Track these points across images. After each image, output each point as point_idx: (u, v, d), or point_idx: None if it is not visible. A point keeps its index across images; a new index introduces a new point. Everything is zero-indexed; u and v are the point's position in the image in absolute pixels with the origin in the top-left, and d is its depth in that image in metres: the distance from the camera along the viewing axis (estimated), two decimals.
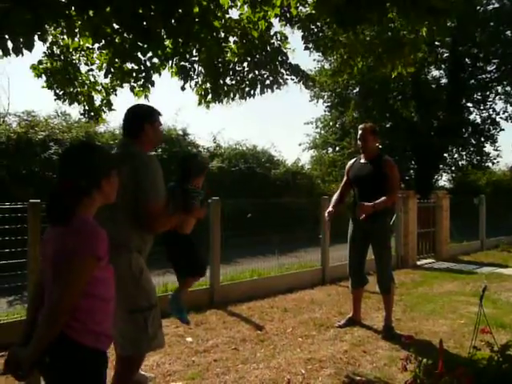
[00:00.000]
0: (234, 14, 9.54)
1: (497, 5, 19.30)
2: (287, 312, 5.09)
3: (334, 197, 4.57)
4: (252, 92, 5.25)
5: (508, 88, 20.51)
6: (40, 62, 4.81)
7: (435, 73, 21.63)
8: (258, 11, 4.92)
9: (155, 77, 4.61)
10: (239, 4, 5.02)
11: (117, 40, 4.15)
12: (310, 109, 48.81)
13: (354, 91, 21.22)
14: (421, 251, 9.11)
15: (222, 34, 4.88)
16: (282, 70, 5.21)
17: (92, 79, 5.14)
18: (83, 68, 5.05)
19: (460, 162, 22.81)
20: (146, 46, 4.02)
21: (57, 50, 4.84)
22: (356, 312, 4.65)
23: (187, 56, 4.74)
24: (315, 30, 5.12)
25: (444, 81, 21.55)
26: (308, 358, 3.67)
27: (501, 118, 20.98)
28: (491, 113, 21.15)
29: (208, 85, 5.21)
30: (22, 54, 3.32)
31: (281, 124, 46.84)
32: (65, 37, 4.67)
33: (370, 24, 4.81)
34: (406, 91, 20.83)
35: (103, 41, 4.17)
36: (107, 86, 5.17)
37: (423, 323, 4.68)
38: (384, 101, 20.12)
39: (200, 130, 39.74)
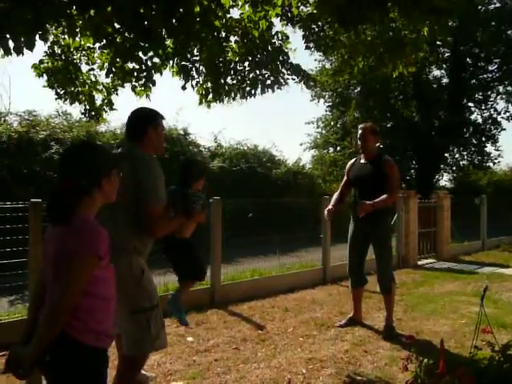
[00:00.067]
0: (234, 13, 9.55)
1: (498, 4, 19.31)
2: (288, 312, 5.09)
3: (334, 196, 4.57)
4: (253, 92, 5.25)
5: (509, 88, 20.49)
6: (41, 62, 4.81)
7: (436, 72, 21.67)
8: (259, 11, 4.91)
9: (156, 76, 4.62)
10: (240, 3, 5.02)
11: (118, 39, 4.15)
12: (311, 108, 48.92)
13: (355, 91, 21.23)
14: (422, 251, 9.11)
15: (223, 34, 4.87)
16: (283, 70, 5.21)
17: (93, 79, 5.14)
18: (84, 67, 5.06)
19: (461, 162, 22.82)
20: (147, 45, 4.02)
21: (58, 50, 4.83)
22: (357, 312, 4.65)
23: (188, 55, 4.74)
24: (316, 29, 5.12)
25: (445, 80, 21.57)
26: (309, 358, 3.67)
27: (502, 117, 21.00)
28: (492, 112, 21.17)
29: (209, 84, 5.21)
30: (23, 54, 3.33)
31: (282, 124, 46.87)
32: (66, 36, 4.67)
33: (371, 24, 4.81)
34: (407, 91, 20.83)
35: (104, 40, 4.17)
36: (108, 85, 5.17)
37: (424, 323, 4.68)
38: (385, 100, 20.12)
39: (201, 130, 39.74)
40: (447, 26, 5.40)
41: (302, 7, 5.09)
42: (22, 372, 1.61)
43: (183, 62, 4.79)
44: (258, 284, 6.02)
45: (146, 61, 4.40)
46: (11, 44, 3.25)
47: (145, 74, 4.54)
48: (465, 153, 22.34)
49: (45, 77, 4.87)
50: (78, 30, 4.28)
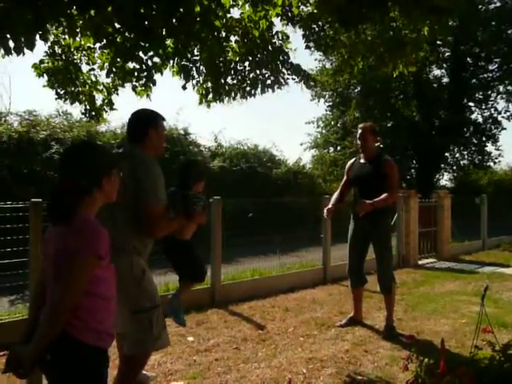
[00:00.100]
0: (235, 13, 9.56)
1: (498, 4, 19.27)
2: (288, 311, 5.09)
3: (334, 196, 4.58)
4: (253, 91, 5.25)
5: (510, 87, 20.47)
6: (41, 62, 4.81)
7: (437, 72, 21.65)
8: (260, 10, 4.91)
9: (157, 76, 4.62)
10: (240, 3, 5.02)
11: (118, 39, 4.15)
12: (312, 108, 48.88)
13: (356, 90, 21.23)
14: (422, 251, 9.11)
15: (224, 34, 4.87)
16: (283, 70, 5.21)
17: (93, 79, 5.14)
18: (84, 67, 5.05)
19: (461, 162, 22.79)
20: (147, 45, 4.03)
21: (58, 50, 4.83)
22: (357, 311, 4.65)
23: (188, 55, 4.74)
24: (316, 29, 5.12)
25: (445, 80, 21.55)
26: (309, 358, 3.67)
27: (502, 117, 20.98)
28: (493, 112, 21.15)
29: (209, 84, 5.21)
30: (24, 54, 3.33)
31: (282, 123, 46.88)
32: (66, 36, 4.67)
33: (371, 23, 4.81)
34: (408, 90, 20.83)
35: (105, 40, 4.17)
36: (108, 85, 5.17)
37: (425, 323, 4.68)
38: (385, 100, 20.12)
39: (201, 130, 39.77)
40: (447, 25, 5.40)
41: (302, 7, 5.09)
42: (23, 371, 1.61)
43: (183, 62, 4.79)
44: (258, 284, 6.02)
45: (147, 60, 4.40)
46: (12, 44, 3.25)
47: (145, 73, 4.54)
48: (465, 152, 22.32)
49: (45, 77, 4.87)
50: (78, 29, 4.29)
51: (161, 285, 5.23)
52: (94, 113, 5.27)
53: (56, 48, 4.81)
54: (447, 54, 20.86)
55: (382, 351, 3.84)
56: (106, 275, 1.71)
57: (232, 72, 5.19)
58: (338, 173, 16.88)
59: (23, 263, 3.97)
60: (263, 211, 8.55)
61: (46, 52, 4.79)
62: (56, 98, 5.03)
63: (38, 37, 3.38)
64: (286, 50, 5.23)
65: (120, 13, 3.63)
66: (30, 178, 8.74)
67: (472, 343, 2.52)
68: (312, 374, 3.36)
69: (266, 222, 8.24)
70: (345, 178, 4.65)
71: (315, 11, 4.85)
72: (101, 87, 5.20)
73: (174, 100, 42.39)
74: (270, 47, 5.15)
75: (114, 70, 4.70)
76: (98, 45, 4.41)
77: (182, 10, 3.89)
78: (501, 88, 20.71)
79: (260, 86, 5.21)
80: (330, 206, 4.41)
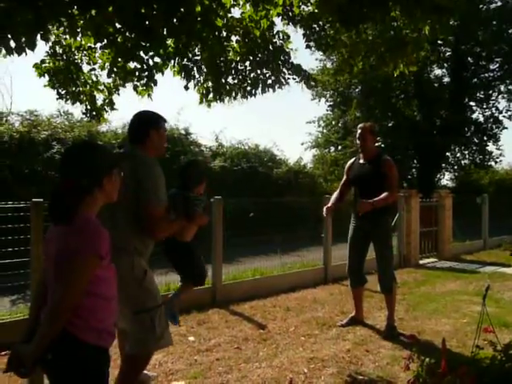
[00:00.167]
0: (235, 12, 9.55)
1: (499, 3, 19.25)
2: (290, 311, 5.09)
3: (334, 195, 4.59)
4: (254, 91, 5.26)
5: (511, 86, 20.44)
6: (42, 62, 4.81)
7: (438, 72, 21.62)
8: (260, 10, 4.92)
9: (158, 76, 4.63)
10: (241, 3, 5.02)
11: (119, 39, 4.15)
12: (312, 108, 48.83)
13: (356, 90, 21.22)
14: (423, 250, 9.10)
15: (224, 33, 4.88)
16: (284, 70, 5.21)
17: (94, 79, 5.15)
18: (85, 67, 5.07)
19: (462, 161, 22.74)
20: (148, 45, 4.03)
21: (59, 50, 4.84)
22: (358, 311, 4.65)
23: (189, 55, 4.74)
24: (317, 28, 5.12)
25: (446, 79, 21.53)
26: (310, 357, 3.67)
27: (504, 116, 20.93)
28: (494, 111, 21.10)
29: (210, 84, 5.22)
30: (26, 54, 3.34)
31: (283, 123, 46.84)
32: (67, 36, 4.68)
33: (372, 23, 4.80)
34: (409, 90, 20.81)
35: (105, 40, 4.18)
36: (109, 85, 5.18)
37: (426, 322, 4.67)
38: (386, 100, 20.10)
39: (202, 130, 39.81)
40: (448, 24, 5.39)
41: (303, 6, 5.09)
42: (24, 371, 1.61)
43: (184, 62, 4.79)
44: (259, 283, 6.02)
45: (148, 60, 4.41)
46: (13, 44, 3.25)
47: (146, 73, 4.55)
48: (466, 152, 22.28)
49: (46, 77, 4.88)
50: (79, 29, 4.30)
51: (162, 284, 5.23)
52: (94, 113, 5.28)
53: (57, 48, 4.82)
54: (448, 53, 20.83)
55: (384, 351, 3.84)
56: (106, 275, 1.71)
57: (233, 72, 5.20)
58: (339, 172, 16.86)
59: (24, 263, 3.98)
60: (264, 211, 8.55)
61: (47, 52, 4.80)
62: (57, 98, 5.04)
63: (38, 37, 3.39)
64: (287, 50, 5.24)
65: (121, 13, 3.63)
66: (31, 177, 8.75)
67: (473, 343, 2.52)
68: (313, 374, 3.36)
69: (267, 222, 8.24)
70: (344, 177, 4.66)
71: (316, 11, 4.86)
72: (101, 87, 5.21)
73: (175, 100, 42.40)
74: (270, 47, 5.15)
75: (114, 69, 4.71)
76: (98, 45, 4.42)
77: (182, 9, 3.90)
78: (502, 87, 20.70)
79: (261, 85, 5.21)
80: (329, 204, 4.42)
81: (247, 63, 5.19)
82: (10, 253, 4.26)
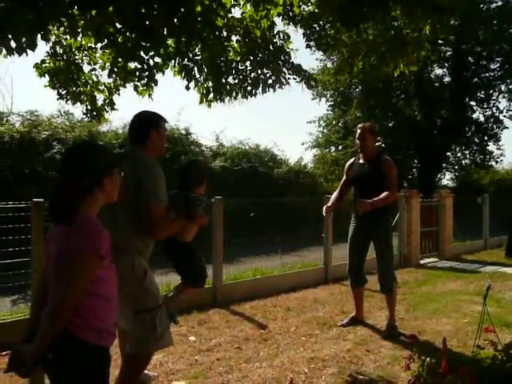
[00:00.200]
0: (236, 12, 9.54)
1: (500, 3, 19.25)
2: (290, 311, 5.09)
3: (334, 195, 4.59)
4: (254, 91, 5.25)
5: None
6: (43, 62, 4.82)
7: (438, 71, 21.62)
8: (261, 10, 4.91)
9: (158, 76, 4.63)
10: (242, 3, 5.02)
11: (119, 39, 4.15)
12: (313, 107, 48.77)
13: (357, 90, 21.22)
14: (424, 250, 9.10)
15: (225, 33, 4.87)
16: (284, 70, 5.21)
17: (95, 79, 5.15)
18: (86, 67, 5.07)
19: (463, 161, 22.74)
20: (148, 45, 4.03)
21: (60, 50, 4.85)
22: (358, 311, 4.65)
23: (190, 55, 4.74)
24: (317, 28, 5.12)
25: (447, 79, 21.52)
26: (311, 357, 3.67)
27: (504, 116, 20.94)
28: (495, 111, 21.10)
29: (210, 83, 5.22)
30: (27, 54, 3.34)
31: (283, 123, 46.80)
32: (68, 36, 4.68)
33: (373, 22, 4.80)
34: (409, 90, 20.80)
35: (106, 40, 4.18)
36: (110, 85, 5.18)
37: (426, 322, 4.67)
38: (387, 99, 20.10)
39: (203, 130, 39.77)
40: (449, 24, 5.39)
41: (303, 6, 5.09)
42: (25, 370, 1.61)
43: (185, 62, 4.79)
44: (259, 283, 6.02)
45: (148, 60, 4.41)
46: (13, 44, 3.26)
47: (147, 73, 4.56)
48: (467, 152, 22.28)
49: (47, 77, 4.88)
50: (79, 30, 4.30)
51: (162, 284, 5.23)
52: (95, 113, 5.28)
53: (57, 48, 4.82)
54: (449, 53, 20.83)
55: (384, 351, 3.84)
56: (107, 275, 1.71)
57: (233, 71, 5.20)
58: (340, 172, 16.82)
59: (25, 263, 3.98)
60: (265, 211, 8.56)
61: (48, 52, 4.80)
62: (58, 99, 5.05)
63: (39, 37, 3.39)
64: (287, 50, 5.24)
65: (121, 13, 3.64)
66: (32, 177, 8.75)
67: (474, 343, 2.52)
68: (314, 374, 3.36)
69: (268, 222, 8.25)
70: (344, 177, 4.66)
71: (316, 10, 4.86)
72: (102, 87, 5.21)
73: (176, 100, 42.41)
74: (271, 47, 5.15)
75: (115, 69, 4.71)
76: (99, 45, 4.42)
77: (183, 9, 3.90)
78: (502, 87, 20.71)
79: (261, 85, 5.21)
80: (329, 204, 4.42)
81: (248, 63, 5.19)
82: (10, 253, 4.26)
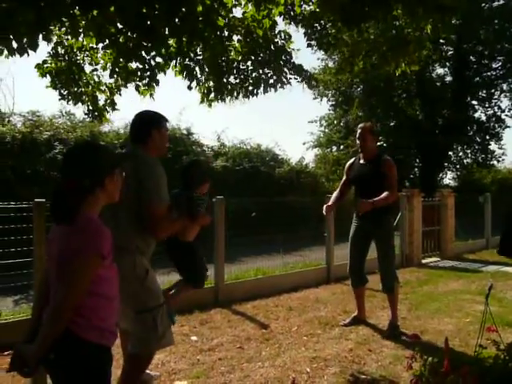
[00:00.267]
0: (237, 12, 9.53)
1: (502, 1, 19.21)
2: (292, 311, 5.09)
3: (334, 194, 4.59)
4: (255, 91, 5.25)
5: None
6: (44, 62, 4.82)
7: (440, 71, 21.60)
8: (263, 9, 4.91)
9: (160, 76, 4.63)
10: (243, 2, 5.02)
11: (121, 39, 4.15)
12: (314, 107, 48.68)
13: (358, 89, 21.20)
14: (426, 249, 9.09)
15: (226, 33, 4.87)
16: (286, 70, 5.21)
17: (96, 79, 5.15)
18: (87, 68, 5.07)
19: (465, 160, 22.73)
20: (149, 45, 4.03)
21: (61, 50, 4.84)
22: (360, 310, 4.64)
23: (191, 55, 4.74)
24: (318, 27, 5.11)
25: (449, 78, 21.50)
26: (313, 357, 3.66)
27: (506, 115, 20.91)
28: (496, 110, 21.08)
29: (211, 83, 5.22)
30: (28, 54, 3.34)
31: (285, 122, 46.76)
32: (69, 37, 4.68)
33: (374, 22, 4.80)
34: (411, 89, 20.78)
35: (107, 40, 4.18)
36: (111, 85, 5.18)
37: (428, 322, 4.66)
38: (388, 99, 20.08)
39: (204, 129, 39.77)
40: (451, 23, 5.39)
41: (304, 6, 5.09)
42: (27, 370, 1.62)
43: (186, 62, 4.79)
44: (261, 283, 6.02)
45: (149, 60, 4.41)
46: (15, 44, 3.26)
47: (148, 73, 4.55)
48: (469, 151, 22.27)
49: (48, 77, 4.88)
50: (80, 30, 4.30)
51: (164, 284, 5.22)
52: (96, 113, 5.28)
53: (59, 49, 4.82)
54: (450, 52, 20.80)
55: (386, 350, 3.83)
56: (108, 275, 1.71)
57: (234, 71, 5.20)
58: (341, 172, 16.67)
59: (27, 263, 3.99)
60: (266, 211, 8.55)
61: (49, 53, 4.80)
62: (59, 99, 5.05)
63: (40, 37, 3.39)
64: (289, 50, 5.23)
65: (122, 13, 3.63)
66: (34, 178, 8.76)
67: (476, 342, 2.51)
68: (316, 373, 3.36)
69: (269, 222, 8.24)
70: (344, 177, 4.66)
71: (317, 10, 4.85)
72: (103, 87, 5.21)
73: (177, 100, 42.45)
74: (272, 47, 5.15)
75: (116, 70, 4.71)
76: (100, 45, 4.42)
77: (184, 9, 3.89)
78: (504, 86, 20.67)
79: (262, 85, 5.21)
80: (329, 203, 4.42)
81: (249, 63, 5.18)
82: (12, 253, 4.27)
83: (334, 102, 22.12)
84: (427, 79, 20.08)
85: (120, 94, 5.24)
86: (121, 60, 4.54)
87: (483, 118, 21.36)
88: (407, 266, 8.02)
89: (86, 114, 5.36)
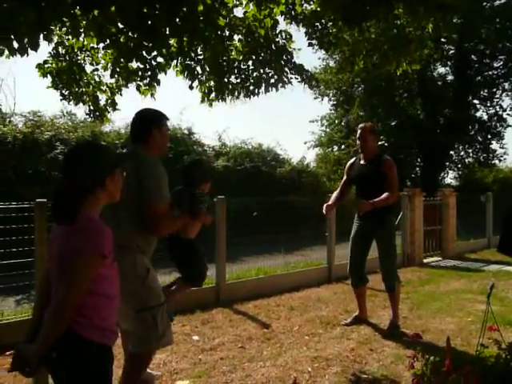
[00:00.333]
0: (238, 12, 9.54)
1: (503, 0, 19.15)
2: (293, 310, 5.09)
3: (334, 194, 4.60)
4: (256, 90, 5.24)
5: None
6: (45, 62, 4.82)
7: (441, 70, 21.57)
8: (264, 9, 4.91)
9: (161, 76, 4.63)
10: (244, 2, 5.01)
11: (121, 39, 4.15)
12: (315, 107, 48.62)
13: (359, 89, 21.18)
14: (427, 249, 9.09)
15: (227, 33, 4.87)
16: (287, 69, 5.20)
17: (97, 79, 5.15)
18: (88, 68, 5.07)
19: (466, 160, 22.69)
20: (150, 44, 4.03)
21: (62, 50, 4.84)
22: (361, 310, 4.64)
23: (192, 55, 4.74)
24: (319, 27, 5.11)
25: (450, 78, 21.47)
26: (314, 356, 3.66)
27: (508, 114, 20.86)
28: (498, 109, 21.02)
29: (212, 83, 5.22)
30: (28, 54, 3.34)
31: (286, 122, 46.75)
32: (70, 37, 4.68)
33: (375, 21, 4.79)
34: (412, 88, 20.75)
35: (108, 40, 4.18)
36: (112, 85, 5.19)
37: (430, 321, 4.66)
38: (389, 98, 20.06)
39: (205, 129, 39.74)
40: (452, 22, 5.39)
41: (305, 5, 5.08)
42: (29, 370, 1.61)
43: (187, 61, 4.79)
44: (263, 283, 6.02)
45: (150, 60, 4.40)
46: (16, 45, 3.26)
47: (149, 73, 4.55)
48: (470, 150, 22.22)
49: (49, 77, 4.88)
50: (81, 30, 4.30)
51: (165, 283, 5.23)
52: (97, 113, 5.28)
53: (60, 49, 4.82)
54: (451, 51, 20.76)
55: (388, 350, 3.83)
56: (109, 274, 1.71)
57: (235, 71, 5.19)
58: (342, 171, 16.71)
59: (29, 263, 3.99)
60: (267, 210, 8.54)
61: (50, 53, 4.80)
62: (60, 99, 5.05)
63: (41, 37, 3.40)
64: (290, 50, 5.23)
65: (123, 12, 3.63)
66: (35, 178, 8.77)
67: (478, 341, 2.51)
68: (317, 373, 3.35)
69: (271, 221, 8.23)
70: (344, 177, 4.66)
71: (318, 9, 4.84)
72: (104, 87, 5.21)
73: (178, 100, 42.44)
74: (273, 46, 5.14)
75: (117, 70, 4.71)
76: (101, 45, 4.42)
77: (185, 9, 3.90)
78: (506, 85, 20.59)
79: (263, 84, 5.20)
80: (330, 202, 4.42)
81: (250, 62, 5.18)
82: (14, 253, 4.27)
83: (335, 102, 22.11)
84: (428, 78, 20.05)
85: (121, 94, 5.24)
86: (122, 60, 4.54)
87: (485, 117, 21.34)
88: (409, 266, 8.01)
89: (87, 114, 5.36)
